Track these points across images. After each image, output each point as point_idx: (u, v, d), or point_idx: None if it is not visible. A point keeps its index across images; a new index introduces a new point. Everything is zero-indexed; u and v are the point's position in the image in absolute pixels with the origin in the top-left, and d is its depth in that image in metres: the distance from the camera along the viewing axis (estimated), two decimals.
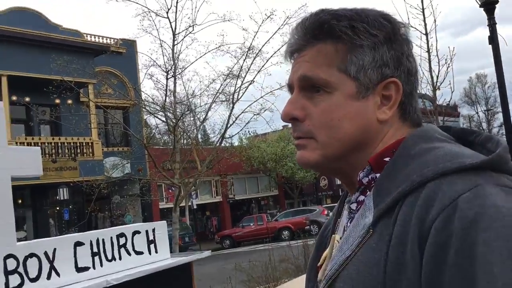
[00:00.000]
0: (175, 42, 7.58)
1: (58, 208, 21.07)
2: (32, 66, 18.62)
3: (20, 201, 20.54)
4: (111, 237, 2.18)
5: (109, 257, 2.16)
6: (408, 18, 8.45)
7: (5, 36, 18.61)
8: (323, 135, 0.80)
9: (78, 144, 20.24)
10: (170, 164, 8.34)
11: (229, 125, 10.37)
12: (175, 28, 7.61)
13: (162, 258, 2.37)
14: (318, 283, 0.85)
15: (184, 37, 7.65)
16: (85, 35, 23.01)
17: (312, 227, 22.54)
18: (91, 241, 2.11)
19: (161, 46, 7.95)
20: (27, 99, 19.17)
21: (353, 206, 0.83)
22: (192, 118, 11.41)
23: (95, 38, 23.54)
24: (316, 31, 0.81)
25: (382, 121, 0.81)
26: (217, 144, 11.20)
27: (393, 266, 0.68)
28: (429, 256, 0.65)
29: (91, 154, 20.49)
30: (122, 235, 2.25)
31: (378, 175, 0.79)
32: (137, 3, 8.26)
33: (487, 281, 0.60)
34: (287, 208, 30.56)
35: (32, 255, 1.85)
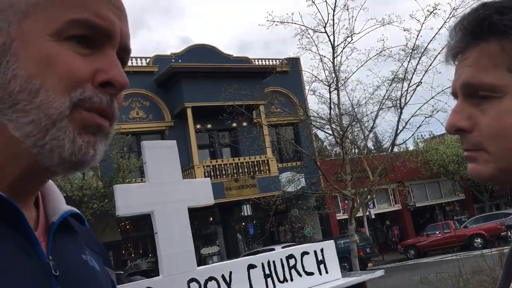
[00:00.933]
0: (335, 55, 7.59)
1: (243, 224, 22.70)
2: (210, 96, 20.57)
3: (211, 219, 22.72)
4: (281, 259, 2.25)
5: (281, 278, 2.23)
6: None
7: (187, 73, 21.02)
8: (495, 147, 0.72)
9: (255, 163, 21.62)
10: (341, 175, 8.32)
11: (398, 131, 9.91)
12: (334, 41, 7.66)
13: (333, 279, 2.36)
14: None
15: (344, 48, 7.63)
16: (253, 60, 24.69)
17: (509, 232, 20.07)
18: (262, 264, 2.21)
19: (321, 60, 8.09)
20: (209, 126, 21.25)
21: None
22: (359, 128, 11.28)
23: (262, 61, 25.06)
24: (476, 30, 0.73)
25: None
26: (389, 151, 10.79)
27: None
28: None
29: (267, 171, 21.68)
30: (291, 256, 2.31)
31: None
32: (295, 23, 8.53)
33: None
34: (476, 213, 27.77)
35: (211, 278, 2.03)
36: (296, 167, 21.15)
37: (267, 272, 2.18)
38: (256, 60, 24.91)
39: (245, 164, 21.44)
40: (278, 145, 20.31)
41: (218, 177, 20.72)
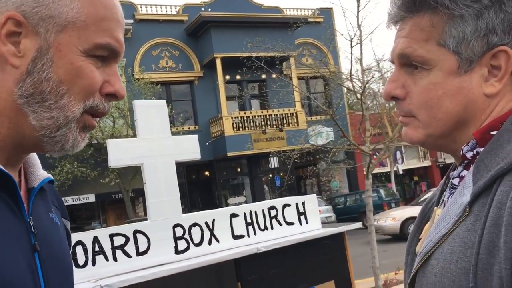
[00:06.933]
0: (359, 9, 7.43)
1: (270, 176, 23.07)
2: (239, 46, 20.39)
3: (238, 170, 23.16)
4: (263, 210, 2.44)
5: (262, 227, 2.42)
6: None
7: (217, 22, 20.80)
8: (424, 115, 0.78)
9: (284, 115, 21.65)
10: (360, 131, 8.36)
11: None
12: None
13: (313, 229, 2.55)
14: (416, 256, 0.82)
15: (368, 2, 7.43)
16: (284, 9, 24.17)
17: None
18: (244, 213, 2.40)
19: (343, 14, 7.90)
20: (238, 77, 21.24)
21: (455, 181, 0.81)
22: (382, 84, 11.08)
23: (293, 11, 24.51)
24: (411, 3, 0.77)
25: (490, 95, 0.74)
26: None
27: (486, 248, 0.65)
28: None
29: (296, 124, 21.71)
30: (273, 207, 2.49)
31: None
32: None
33: None
34: None
35: (195, 224, 2.23)
36: (326, 121, 21.00)
37: (249, 221, 2.37)
38: (288, 10, 24.38)
39: (273, 116, 21.50)
40: (308, 100, 20.23)
41: (246, 128, 20.92)
